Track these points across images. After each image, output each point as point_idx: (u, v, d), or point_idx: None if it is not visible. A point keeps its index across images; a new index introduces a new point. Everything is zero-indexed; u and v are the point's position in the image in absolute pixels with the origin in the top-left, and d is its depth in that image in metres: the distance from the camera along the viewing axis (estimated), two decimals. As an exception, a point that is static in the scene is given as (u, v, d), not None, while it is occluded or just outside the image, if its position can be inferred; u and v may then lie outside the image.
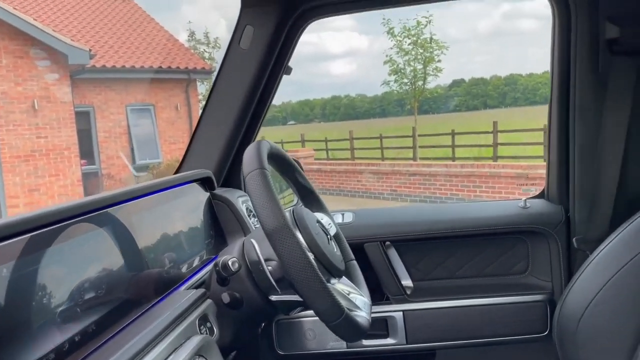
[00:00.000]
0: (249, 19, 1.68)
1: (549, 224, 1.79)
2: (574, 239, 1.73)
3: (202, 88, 14.69)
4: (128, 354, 0.82)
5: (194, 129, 1.79)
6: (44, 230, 0.82)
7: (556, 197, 1.81)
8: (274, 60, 1.70)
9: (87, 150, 11.78)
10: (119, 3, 13.83)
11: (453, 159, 14.78)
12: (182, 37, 23.73)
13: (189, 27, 25.58)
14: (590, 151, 1.72)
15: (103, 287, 0.90)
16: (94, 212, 0.97)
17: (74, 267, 0.86)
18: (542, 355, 1.81)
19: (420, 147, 17.35)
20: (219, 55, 20.47)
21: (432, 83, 23.17)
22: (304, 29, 1.73)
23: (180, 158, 1.89)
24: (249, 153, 1.07)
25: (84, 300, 0.87)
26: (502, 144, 13.88)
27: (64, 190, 10.75)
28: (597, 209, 1.70)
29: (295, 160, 1.44)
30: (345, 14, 1.76)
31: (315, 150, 17.46)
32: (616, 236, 1.30)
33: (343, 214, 1.81)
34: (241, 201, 1.49)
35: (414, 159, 15.87)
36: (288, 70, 1.78)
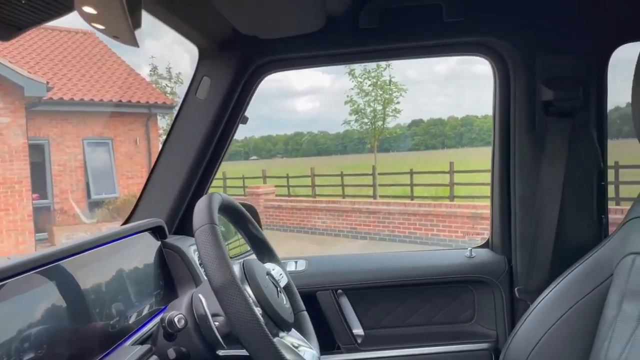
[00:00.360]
0: (206, 70, 1.69)
1: (493, 273, 1.81)
2: (515, 289, 1.76)
3: (163, 122, 14.53)
4: None
5: (151, 167, 1.79)
6: None
7: (499, 247, 1.83)
8: (230, 111, 1.71)
9: (40, 184, 11.40)
10: (79, 36, 13.76)
11: (412, 197, 15.12)
12: (144, 72, 23.47)
13: (152, 61, 25.44)
14: (530, 204, 1.77)
15: (44, 345, 0.89)
16: (42, 267, 0.97)
17: (16, 325, 0.86)
18: None
19: (380, 185, 17.64)
20: (180, 90, 20.40)
21: (392, 123, 23.66)
22: (260, 81, 1.75)
23: (138, 193, 1.86)
24: (199, 207, 1.08)
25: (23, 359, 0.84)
26: (458, 184, 14.30)
27: (13, 225, 10.38)
28: (537, 259, 1.73)
29: (249, 206, 1.46)
30: (299, 69, 1.77)
31: (276, 186, 17.48)
32: (555, 287, 1.36)
33: (296, 262, 1.80)
34: (192, 250, 1.48)
35: (374, 197, 16.16)
36: (244, 120, 1.79)
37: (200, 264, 1.47)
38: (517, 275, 1.78)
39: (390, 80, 20.95)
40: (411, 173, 16.86)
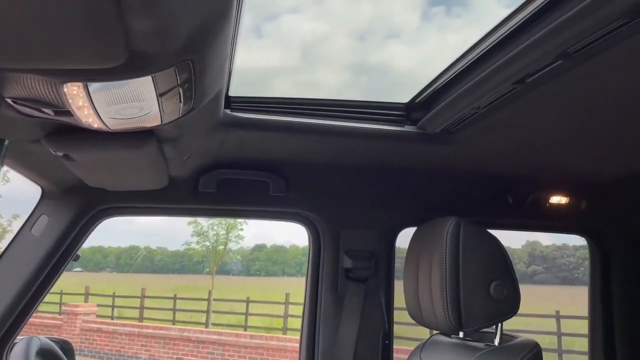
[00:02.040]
0: (45, 209, 1.74)
1: None
2: None
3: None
4: None
5: None
6: None
7: None
8: (64, 249, 1.75)
9: None
10: None
11: (245, 327, 14.95)
12: None
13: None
14: (330, 353, 2.01)
15: None
16: None
17: None
18: None
19: (214, 312, 17.64)
20: (5, 189, 18.85)
21: (236, 246, 24.29)
22: (98, 224, 1.82)
23: None
24: (16, 352, 1.15)
25: None
26: (292, 316, 14.63)
27: None
28: None
29: (65, 342, 1.53)
30: (136, 215, 1.90)
31: (99, 306, 16.25)
32: None
33: None
34: None
35: (206, 324, 15.96)
36: (76, 258, 1.83)
37: None
38: None
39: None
40: (247, 302, 17.16)
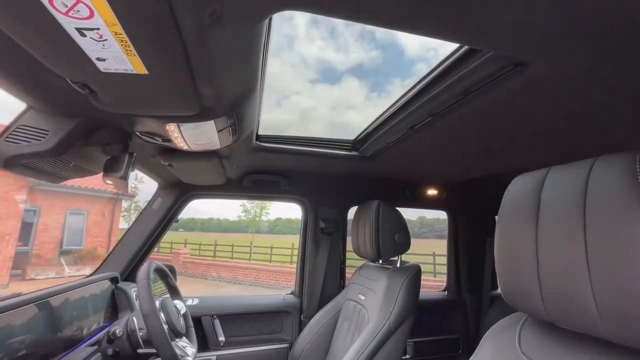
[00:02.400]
0: (160, 194, 1.69)
1: (293, 307, 1.90)
2: (302, 316, 1.88)
3: (126, 204, 13.20)
4: None
5: (113, 237, 1.37)
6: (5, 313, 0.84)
7: (297, 294, 1.96)
8: (169, 217, 1.69)
9: (25, 237, 9.39)
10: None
11: (270, 261, 15.75)
12: None
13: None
14: (313, 272, 1.90)
15: (31, 346, 0.86)
16: (35, 302, 0.89)
17: (17, 335, 0.82)
18: None
19: (253, 252, 18.49)
20: (141, 187, 18.74)
21: (266, 217, 23.83)
22: (188, 203, 1.76)
23: (98, 247, 1.32)
24: (142, 268, 1.07)
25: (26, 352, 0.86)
26: (295, 255, 14.41)
27: (-1, 263, 8.25)
28: (312, 302, 1.88)
29: (170, 266, 1.42)
30: (208, 199, 1.82)
31: (192, 249, 16.10)
32: (318, 316, 1.61)
33: (192, 299, 1.75)
34: (133, 291, 1.39)
35: (249, 259, 17.34)
36: (177, 221, 1.77)
37: (136, 299, 1.43)
38: (304, 309, 1.90)
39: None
40: (271, 247, 18.01)
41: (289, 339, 1.88)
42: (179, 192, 1.69)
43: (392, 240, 1.46)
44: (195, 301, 1.79)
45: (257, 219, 22.69)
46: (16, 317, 0.81)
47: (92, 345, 1.06)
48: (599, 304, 0.43)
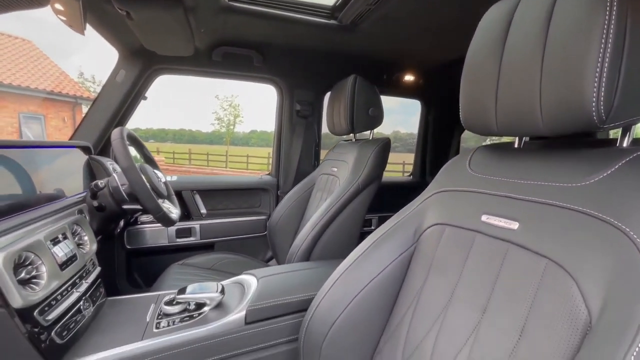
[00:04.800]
0: (122, 65, 1.56)
1: (270, 185, 1.94)
2: (278, 192, 1.96)
3: (86, 109, 12.23)
4: (36, 214, 0.81)
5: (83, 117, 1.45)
6: None
7: (275, 174, 1.98)
8: (136, 92, 1.59)
9: None
10: (19, 41, 10.74)
11: (247, 169, 17.66)
12: (73, 75, 19.71)
13: (79, 69, 21.05)
14: (288, 156, 1.93)
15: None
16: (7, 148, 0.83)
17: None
18: None
19: (230, 162, 19.37)
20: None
21: (240, 128, 23.35)
22: (154, 79, 1.65)
23: None
24: (115, 131, 1.01)
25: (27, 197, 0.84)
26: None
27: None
28: (287, 180, 1.93)
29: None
30: (174, 74, 1.66)
31: (166, 158, 16.00)
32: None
33: (171, 176, 1.76)
34: (108, 163, 1.31)
35: (226, 167, 18.73)
36: (144, 98, 1.64)
37: (113, 165, 1.36)
38: (280, 185, 1.95)
39: (237, 105, 20.78)
40: (247, 156, 19.51)
41: (267, 212, 1.94)
42: (142, 64, 1.57)
43: (366, 114, 1.45)
44: (174, 177, 1.81)
45: (231, 127, 22.32)
46: None
47: (74, 203, 1.06)
48: (543, 106, 0.48)
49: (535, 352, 0.45)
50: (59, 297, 0.70)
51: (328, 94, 1.83)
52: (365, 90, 1.46)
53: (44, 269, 0.67)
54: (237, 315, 0.80)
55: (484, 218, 0.58)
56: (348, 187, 1.30)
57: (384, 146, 1.40)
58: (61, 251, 0.74)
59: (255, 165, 18.08)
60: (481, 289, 0.55)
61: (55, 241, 0.75)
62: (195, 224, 1.75)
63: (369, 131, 1.53)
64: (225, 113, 22.24)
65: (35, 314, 0.63)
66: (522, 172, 0.58)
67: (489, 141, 0.96)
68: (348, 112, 1.45)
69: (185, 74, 1.73)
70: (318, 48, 1.70)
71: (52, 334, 0.67)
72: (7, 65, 11.14)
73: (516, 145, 0.65)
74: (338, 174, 1.51)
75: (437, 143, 2.34)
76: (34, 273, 0.65)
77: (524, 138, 0.65)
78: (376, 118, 1.49)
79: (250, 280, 0.93)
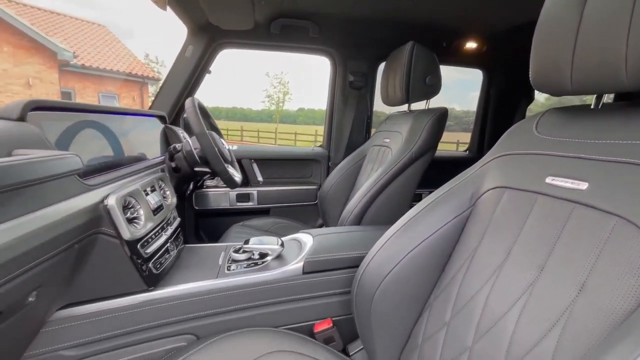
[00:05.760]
0: (190, 41, 1.62)
1: (322, 156, 1.98)
2: (329, 163, 1.99)
3: (152, 89, 13.40)
4: (129, 170, 0.89)
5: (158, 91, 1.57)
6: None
7: (326, 146, 2.01)
8: (202, 66, 1.66)
9: None
10: (96, 27, 11.90)
11: (295, 145, 15.63)
12: (140, 57, 21.42)
13: (145, 51, 22.87)
14: (339, 127, 1.92)
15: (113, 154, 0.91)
16: (97, 112, 0.86)
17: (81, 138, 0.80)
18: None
19: (278, 139, 20.43)
20: (164, 70, 18.80)
21: (288, 106, 23.90)
22: (218, 53, 1.71)
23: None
24: (187, 101, 1.07)
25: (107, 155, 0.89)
26: (318, 141, 15.13)
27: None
28: (338, 154, 1.95)
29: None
30: (237, 48, 1.71)
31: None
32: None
33: (232, 146, 1.85)
34: (180, 131, 1.38)
35: (275, 143, 17.02)
36: (209, 72, 1.71)
37: (184, 133, 1.43)
38: (331, 157, 1.98)
39: (287, 81, 21.09)
40: (295, 133, 20.35)
41: (318, 182, 1.98)
42: (208, 39, 1.64)
43: (423, 83, 1.38)
44: (235, 147, 1.90)
45: (281, 104, 23.06)
46: (86, 124, 0.79)
47: (155, 164, 1.13)
48: (629, 58, 0.43)
49: (593, 307, 0.43)
50: (153, 236, 0.81)
51: (382, 65, 1.80)
52: (423, 57, 1.39)
53: (142, 212, 0.77)
54: (296, 265, 0.88)
55: (548, 180, 0.55)
56: (402, 156, 1.28)
57: (441, 116, 1.35)
58: (152, 200, 0.85)
59: (302, 143, 19.20)
60: (540, 248, 0.53)
61: (146, 192, 0.85)
62: (253, 190, 1.85)
63: (425, 101, 1.47)
64: (275, 90, 22.78)
65: (138, 246, 0.74)
66: (598, 132, 0.54)
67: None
68: (404, 80, 1.39)
69: (246, 48, 1.76)
70: (374, 16, 1.63)
71: (150, 264, 0.78)
72: (87, 49, 12.47)
73: (592, 106, 0.60)
74: (391, 145, 1.48)
75: (499, 115, 2.18)
76: (135, 214, 0.76)
77: (602, 98, 0.59)
78: (433, 87, 1.43)
79: (307, 238, 1.02)
